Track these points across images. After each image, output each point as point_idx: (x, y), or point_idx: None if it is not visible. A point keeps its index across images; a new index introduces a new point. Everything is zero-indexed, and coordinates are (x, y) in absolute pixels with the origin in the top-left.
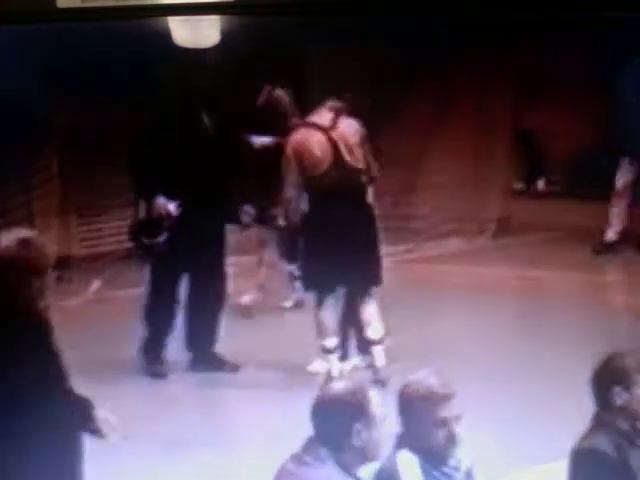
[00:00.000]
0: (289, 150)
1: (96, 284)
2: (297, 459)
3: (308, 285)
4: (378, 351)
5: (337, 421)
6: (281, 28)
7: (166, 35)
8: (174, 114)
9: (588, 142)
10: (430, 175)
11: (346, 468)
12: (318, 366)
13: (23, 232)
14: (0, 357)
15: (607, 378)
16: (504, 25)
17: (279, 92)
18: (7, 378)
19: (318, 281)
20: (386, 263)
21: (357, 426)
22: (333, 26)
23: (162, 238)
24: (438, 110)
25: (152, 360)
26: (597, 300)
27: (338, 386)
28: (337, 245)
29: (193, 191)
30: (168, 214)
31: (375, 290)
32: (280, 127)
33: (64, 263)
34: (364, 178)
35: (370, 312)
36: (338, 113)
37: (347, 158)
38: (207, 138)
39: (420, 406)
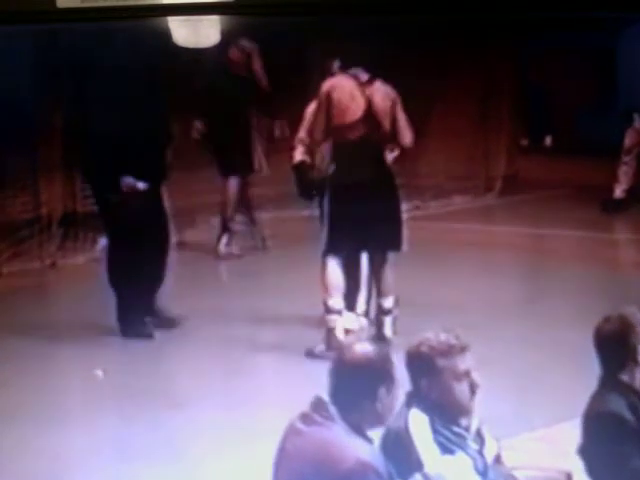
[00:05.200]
0: (322, 91)
1: (103, 242)
2: (306, 418)
3: (332, 248)
4: (388, 321)
5: (361, 385)
6: (281, 28)
7: (166, 35)
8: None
9: (596, 98)
10: (437, 132)
11: (356, 427)
12: (350, 322)
13: None
14: None
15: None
16: None
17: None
18: None
19: (343, 245)
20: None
21: (381, 391)
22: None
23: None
24: (443, 68)
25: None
26: (604, 258)
27: (363, 349)
28: (361, 208)
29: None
30: (136, 190)
31: (392, 257)
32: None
33: (69, 220)
34: (390, 145)
35: (387, 280)
36: (374, 75)
37: (379, 117)
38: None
39: (441, 362)
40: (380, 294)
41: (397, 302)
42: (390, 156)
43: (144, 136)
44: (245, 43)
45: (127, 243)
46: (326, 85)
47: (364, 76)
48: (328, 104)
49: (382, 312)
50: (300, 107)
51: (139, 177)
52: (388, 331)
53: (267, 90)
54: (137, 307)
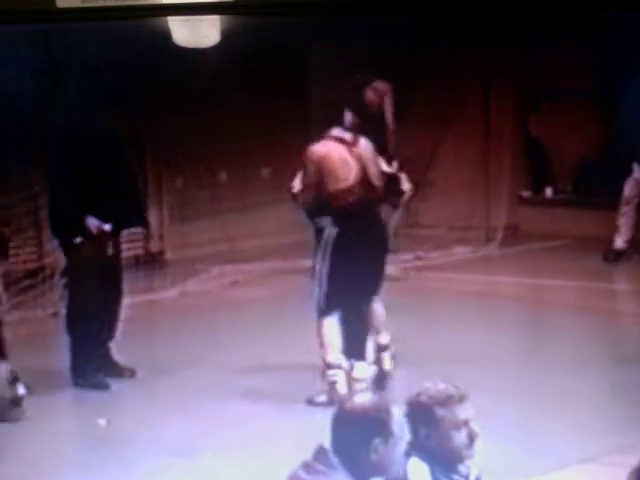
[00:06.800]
0: (312, 160)
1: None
2: (308, 467)
3: (328, 309)
4: (387, 356)
5: (357, 434)
6: (281, 28)
7: (166, 35)
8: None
9: (596, 149)
10: (437, 183)
11: (357, 476)
12: (362, 371)
13: None
14: None
15: None
16: (510, 32)
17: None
18: None
19: (339, 304)
20: (394, 271)
21: (376, 441)
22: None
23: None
24: (444, 118)
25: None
26: (605, 308)
27: (362, 399)
28: (359, 266)
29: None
30: (104, 232)
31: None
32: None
33: None
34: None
35: (379, 317)
36: (356, 131)
37: (371, 176)
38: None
39: (440, 412)
40: (375, 332)
41: (392, 339)
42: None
43: (114, 176)
44: (379, 84)
45: (85, 288)
46: (315, 155)
47: (348, 136)
48: (320, 173)
49: (379, 349)
50: (300, 112)
51: (104, 219)
52: (388, 365)
53: (390, 128)
54: (90, 357)
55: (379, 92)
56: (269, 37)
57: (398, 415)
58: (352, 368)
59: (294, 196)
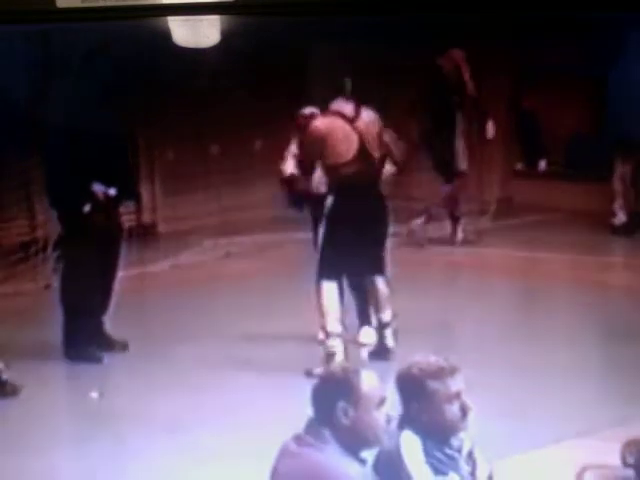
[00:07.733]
0: (315, 136)
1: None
2: (299, 440)
3: (325, 274)
4: (389, 333)
5: (325, 399)
6: (281, 28)
7: (166, 35)
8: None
9: (589, 123)
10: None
11: (348, 449)
12: (368, 336)
13: None
14: None
15: None
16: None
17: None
18: None
19: (336, 270)
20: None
21: (341, 403)
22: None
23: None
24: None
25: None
26: (598, 281)
27: (334, 365)
28: (355, 236)
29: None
30: (109, 197)
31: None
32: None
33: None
34: (386, 165)
35: (383, 295)
36: (358, 103)
37: (371, 149)
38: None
39: (432, 384)
40: (378, 309)
41: (395, 315)
42: (388, 172)
43: (111, 141)
44: (454, 52)
45: (82, 260)
46: (318, 130)
47: (349, 108)
48: (322, 149)
49: (382, 325)
50: (297, 111)
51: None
52: (390, 342)
53: (474, 95)
54: (84, 330)
55: (454, 60)
56: (269, 37)
57: (370, 378)
58: (359, 332)
59: (286, 181)
